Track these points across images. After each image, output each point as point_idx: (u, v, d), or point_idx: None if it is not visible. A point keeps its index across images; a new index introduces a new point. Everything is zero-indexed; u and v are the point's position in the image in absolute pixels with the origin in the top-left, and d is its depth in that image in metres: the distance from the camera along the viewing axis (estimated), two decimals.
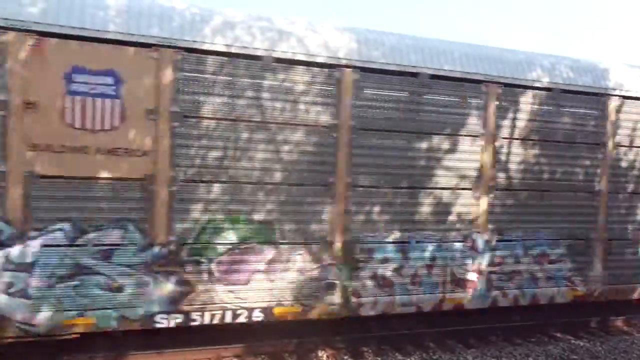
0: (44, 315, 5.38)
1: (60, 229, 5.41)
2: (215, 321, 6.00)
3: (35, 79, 5.24)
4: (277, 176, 6.16)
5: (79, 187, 5.44)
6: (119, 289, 5.62)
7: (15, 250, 5.26)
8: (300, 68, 6.17)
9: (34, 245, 5.32)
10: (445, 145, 6.86)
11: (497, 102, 7.06)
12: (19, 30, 5.16)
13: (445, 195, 6.90)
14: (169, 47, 5.63)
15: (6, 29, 5.12)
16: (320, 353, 6.66)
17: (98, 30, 5.41)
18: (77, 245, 5.46)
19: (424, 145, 6.76)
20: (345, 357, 6.65)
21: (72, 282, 5.46)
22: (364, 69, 6.39)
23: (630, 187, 7.93)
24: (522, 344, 7.34)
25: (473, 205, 7.04)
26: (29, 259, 5.31)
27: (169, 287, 5.79)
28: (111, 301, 5.59)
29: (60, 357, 5.70)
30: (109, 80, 5.45)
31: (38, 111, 5.26)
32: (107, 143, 5.50)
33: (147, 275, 5.70)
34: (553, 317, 7.95)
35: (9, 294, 5.26)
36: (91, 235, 5.49)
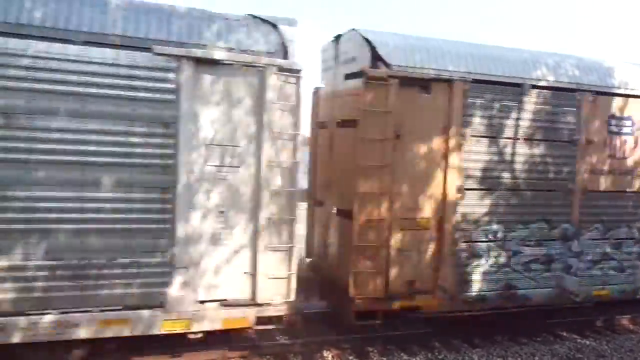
0: (583, 289, 7.68)
1: (596, 228, 7.75)
2: None
3: (592, 124, 7.56)
4: None
5: (613, 199, 7.80)
6: (622, 270, 7.94)
7: (573, 243, 7.60)
8: None
9: (582, 239, 7.65)
10: None
11: None
12: (584, 90, 7.48)
13: None
14: None
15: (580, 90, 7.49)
16: (325, 353, 6.76)
17: (626, 88, 7.80)
18: (604, 239, 7.80)
19: None
20: (351, 358, 6.73)
21: (600, 265, 7.80)
22: None
23: None
24: (527, 344, 7.46)
25: None
26: (579, 249, 7.65)
27: None
28: (617, 279, 7.91)
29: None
30: (628, 123, 7.78)
31: (594, 146, 7.58)
32: (627, 166, 7.85)
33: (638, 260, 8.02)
34: (559, 317, 8.18)
35: (568, 274, 7.59)
36: (612, 232, 7.83)
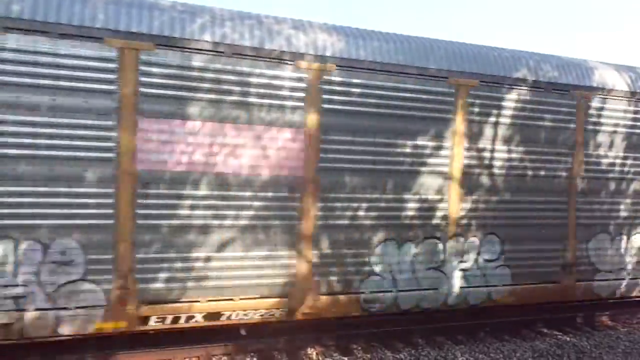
0: None
1: None
2: None
3: None
4: None
5: None
6: None
7: None
8: None
9: None
10: None
11: None
12: None
13: None
14: None
15: None
16: (309, 351, 6.79)
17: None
18: None
19: None
20: (335, 355, 6.75)
21: None
22: None
23: None
24: (509, 340, 7.54)
25: None
26: None
27: None
28: None
29: (52, 357, 5.91)
30: None
31: None
32: None
33: None
34: (540, 314, 8.24)
35: None
36: None
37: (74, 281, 5.59)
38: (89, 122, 5.60)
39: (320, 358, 6.76)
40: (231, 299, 6.21)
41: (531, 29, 47.20)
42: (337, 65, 6.57)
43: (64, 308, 5.54)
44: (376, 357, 6.80)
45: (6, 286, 5.35)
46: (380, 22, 49.45)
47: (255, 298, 6.30)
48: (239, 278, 6.22)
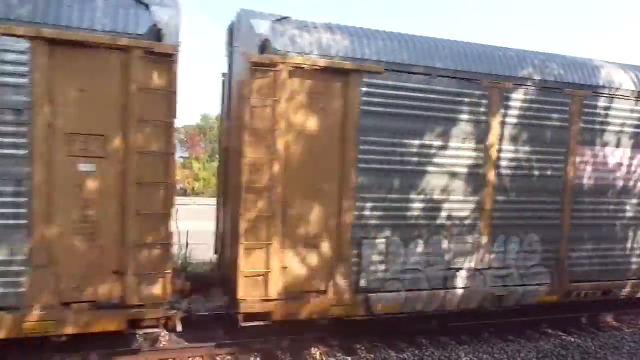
0: None
1: None
2: None
3: None
4: None
5: None
6: None
7: None
8: None
9: None
10: None
11: None
12: None
13: None
14: None
15: None
16: (313, 351, 6.82)
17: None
18: None
19: None
20: (339, 355, 6.79)
21: None
22: None
23: None
24: (514, 341, 7.62)
25: None
26: None
27: None
28: None
29: (53, 356, 5.99)
30: None
31: None
32: None
33: None
34: (544, 314, 8.34)
35: None
36: None
37: (534, 265, 7.59)
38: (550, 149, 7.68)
39: (324, 358, 6.75)
40: (620, 280, 8.19)
41: (531, 29, 46.98)
42: None
43: (528, 285, 7.55)
44: (380, 357, 6.79)
45: (499, 268, 7.41)
46: (381, 23, 49.22)
47: (636, 279, 8.28)
48: (629, 264, 8.25)
